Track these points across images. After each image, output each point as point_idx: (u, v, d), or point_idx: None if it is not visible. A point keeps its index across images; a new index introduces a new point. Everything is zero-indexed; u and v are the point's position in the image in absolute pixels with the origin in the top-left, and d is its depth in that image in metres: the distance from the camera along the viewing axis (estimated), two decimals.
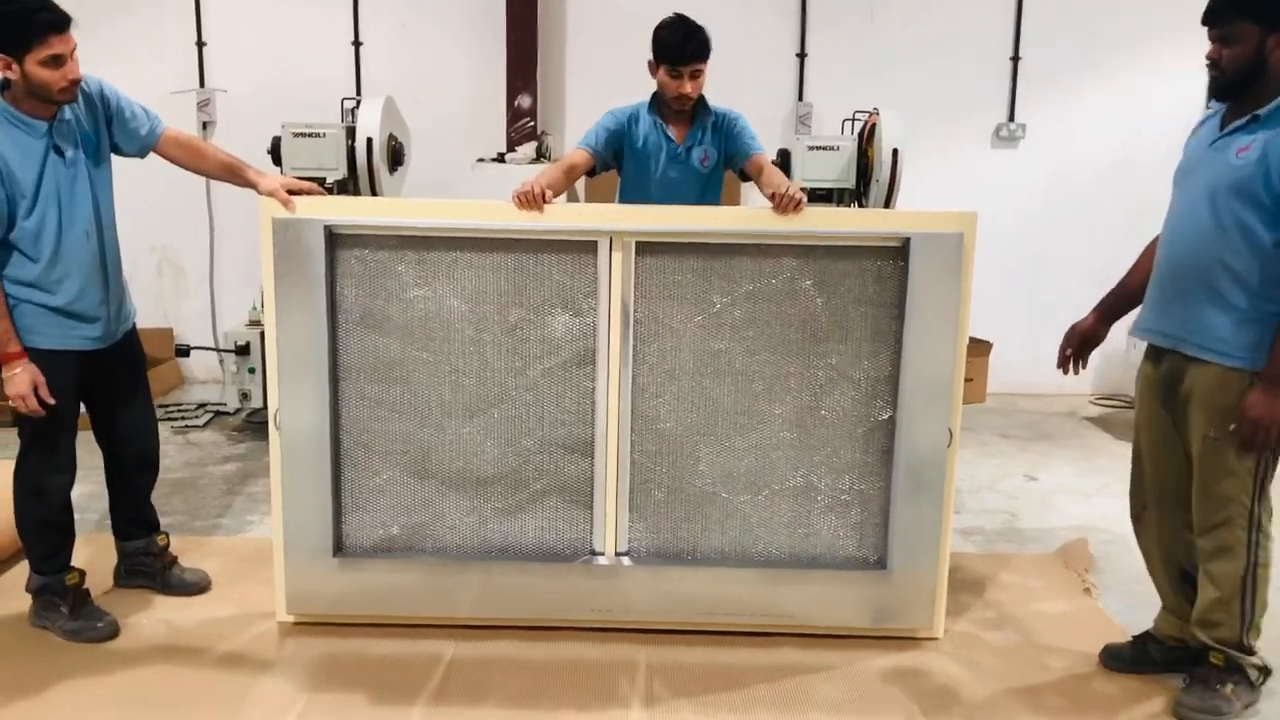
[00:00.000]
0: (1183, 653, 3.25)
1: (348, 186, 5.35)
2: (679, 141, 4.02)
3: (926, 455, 3.28)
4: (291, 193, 3.22)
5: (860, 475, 3.36)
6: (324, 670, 3.22)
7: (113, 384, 3.46)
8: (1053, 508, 4.81)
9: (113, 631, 3.38)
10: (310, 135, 5.30)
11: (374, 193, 5.33)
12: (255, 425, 5.78)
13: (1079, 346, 3.37)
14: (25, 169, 3.09)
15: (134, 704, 3.02)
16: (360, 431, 3.35)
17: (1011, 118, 6.91)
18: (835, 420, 3.33)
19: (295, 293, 3.20)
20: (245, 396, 5.56)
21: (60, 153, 3.17)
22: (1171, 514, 3.21)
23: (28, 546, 3.43)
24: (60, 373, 3.21)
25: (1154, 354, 3.15)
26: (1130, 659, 3.33)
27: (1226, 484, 2.95)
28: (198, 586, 3.73)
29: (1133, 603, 3.78)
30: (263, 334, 5.34)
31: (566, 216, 3.28)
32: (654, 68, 3.92)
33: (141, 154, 3.45)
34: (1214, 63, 2.88)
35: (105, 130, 3.33)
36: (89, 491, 4.78)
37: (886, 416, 3.31)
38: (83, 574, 3.45)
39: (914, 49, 6.84)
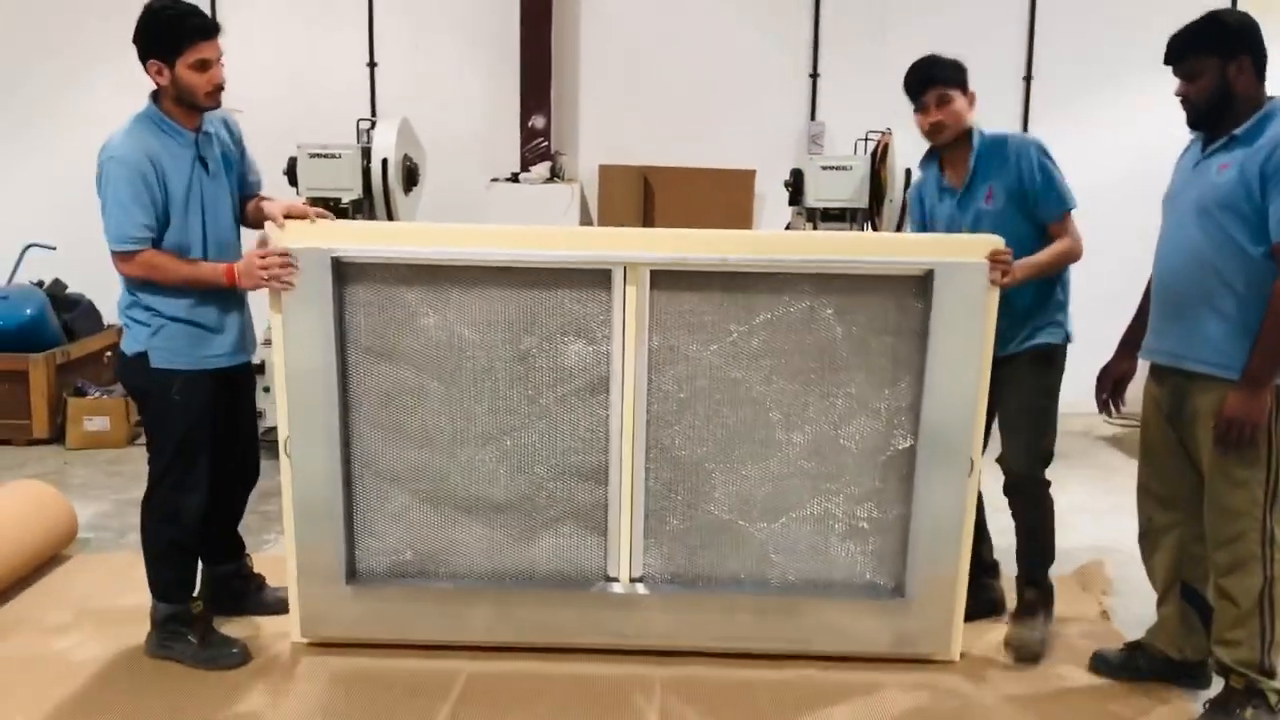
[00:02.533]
0: (1167, 666, 3.33)
1: (363, 207, 5.38)
2: (959, 186, 3.54)
3: (947, 484, 3.27)
4: (290, 216, 3.21)
5: (879, 504, 3.35)
6: (340, 690, 3.22)
7: (234, 402, 3.45)
8: (1069, 528, 4.75)
9: (246, 657, 3.33)
10: (326, 156, 5.34)
11: (389, 213, 5.36)
12: (270, 443, 5.78)
13: (1113, 388, 3.44)
14: (176, 176, 3.15)
15: None
16: (372, 459, 3.35)
17: None
18: (854, 449, 3.32)
19: (303, 322, 3.20)
20: (261, 414, 5.57)
21: (205, 165, 3.23)
22: (1182, 529, 3.23)
23: (156, 574, 3.33)
24: (199, 394, 3.24)
25: (1158, 374, 3.20)
26: (1118, 665, 3.42)
27: (1236, 497, 2.97)
28: (286, 604, 3.65)
29: (1149, 624, 3.74)
30: None
31: (578, 245, 3.24)
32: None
33: (242, 200, 3.47)
34: (1184, 98, 3.02)
35: (236, 159, 3.41)
36: (104, 510, 4.82)
37: (907, 445, 3.29)
38: (207, 601, 3.40)
39: None
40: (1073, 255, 3.46)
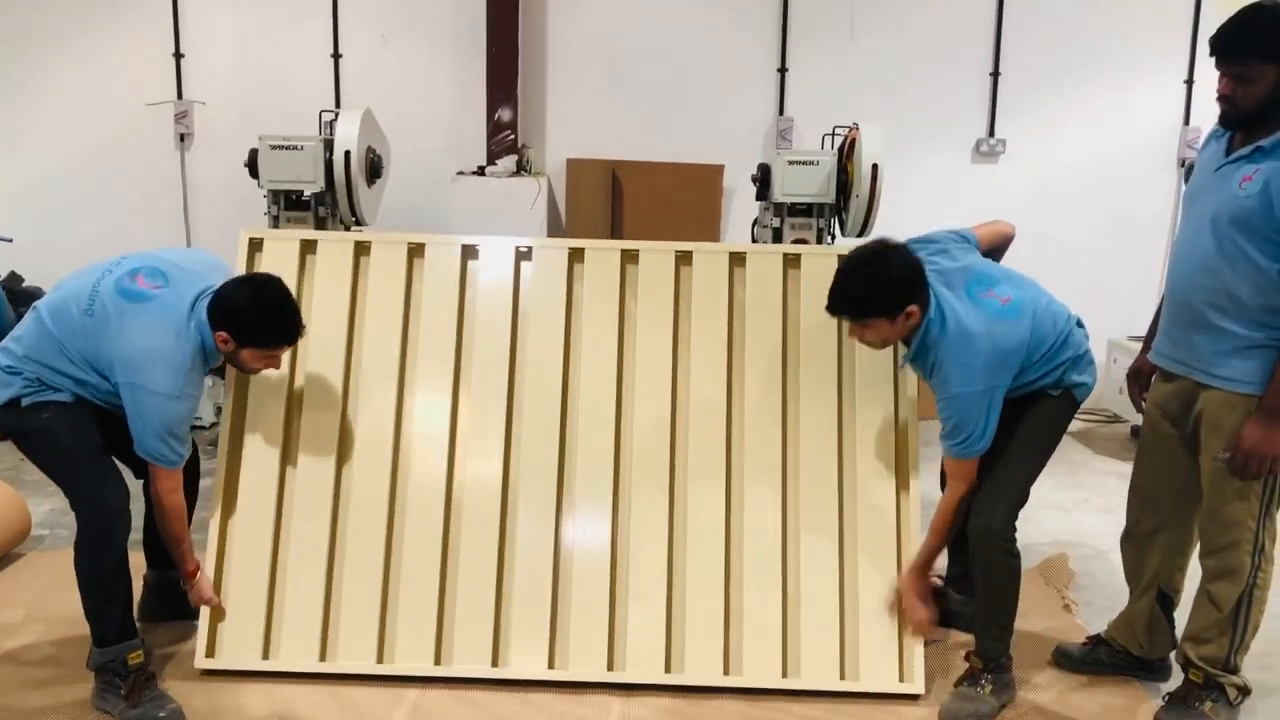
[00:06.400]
0: (1128, 661, 3.37)
1: (325, 199, 5.31)
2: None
3: None
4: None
5: None
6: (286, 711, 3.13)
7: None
8: (1032, 523, 4.78)
9: (177, 717, 3.01)
10: (288, 148, 5.25)
11: (351, 205, 5.29)
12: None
13: (1145, 381, 3.33)
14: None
15: None
16: None
17: (991, 133, 6.93)
18: None
19: None
20: (220, 410, 5.49)
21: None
22: (1166, 533, 3.21)
23: (92, 610, 3.05)
24: (73, 411, 3.02)
25: (1166, 374, 3.13)
26: (1079, 659, 3.43)
27: (1235, 507, 2.93)
28: None
29: (1113, 617, 3.76)
30: None
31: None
32: None
33: None
34: (1226, 98, 2.82)
35: None
36: (58, 508, 4.73)
37: None
38: (148, 653, 3.14)
39: (893, 64, 6.86)
40: (951, 511, 3.14)
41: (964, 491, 3.14)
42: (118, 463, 3.17)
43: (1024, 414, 3.15)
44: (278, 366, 3.17)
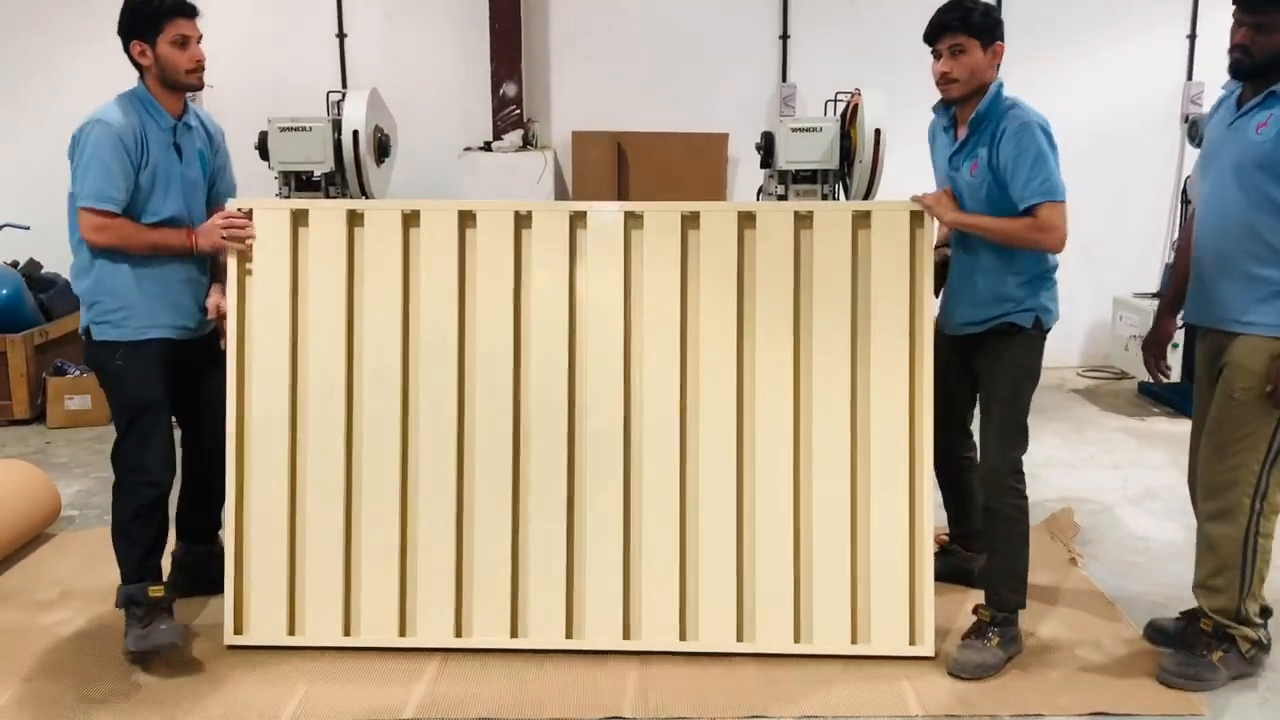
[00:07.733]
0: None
1: (335, 179, 5.37)
2: (957, 140, 3.31)
3: None
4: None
5: None
6: (305, 683, 3.18)
7: (195, 375, 3.44)
8: (1040, 480, 4.85)
9: (173, 637, 3.20)
10: (296, 129, 5.31)
11: (361, 184, 5.35)
12: None
13: (1160, 351, 3.43)
14: (154, 155, 3.24)
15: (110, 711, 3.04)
16: None
17: None
18: None
19: None
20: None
21: (179, 152, 3.32)
22: None
23: (121, 551, 3.28)
24: (143, 360, 3.25)
25: (1200, 334, 3.17)
26: (1176, 634, 3.28)
27: (1240, 447, 2.98)
28: None
29: (1118, 571, 3.84)
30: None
31: None
32: None
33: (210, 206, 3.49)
34: (1243, 47, 2.86)
35: (210, 157, 3.48)
36: (87, 488, 4.84)
37: None
38: (172, 594, 3.33)
39: (894, 29, 6.85)
40: (1030, 239, 3.10)
41: (1045, 240, 3.09)
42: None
43: (1001, 355, 3.22)
44: (200, 57, 3.30)
